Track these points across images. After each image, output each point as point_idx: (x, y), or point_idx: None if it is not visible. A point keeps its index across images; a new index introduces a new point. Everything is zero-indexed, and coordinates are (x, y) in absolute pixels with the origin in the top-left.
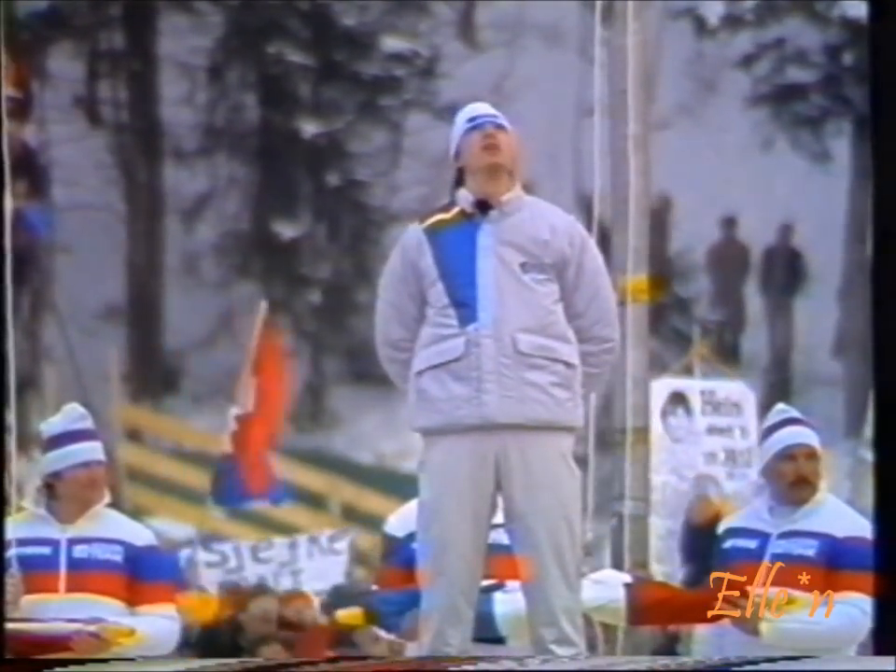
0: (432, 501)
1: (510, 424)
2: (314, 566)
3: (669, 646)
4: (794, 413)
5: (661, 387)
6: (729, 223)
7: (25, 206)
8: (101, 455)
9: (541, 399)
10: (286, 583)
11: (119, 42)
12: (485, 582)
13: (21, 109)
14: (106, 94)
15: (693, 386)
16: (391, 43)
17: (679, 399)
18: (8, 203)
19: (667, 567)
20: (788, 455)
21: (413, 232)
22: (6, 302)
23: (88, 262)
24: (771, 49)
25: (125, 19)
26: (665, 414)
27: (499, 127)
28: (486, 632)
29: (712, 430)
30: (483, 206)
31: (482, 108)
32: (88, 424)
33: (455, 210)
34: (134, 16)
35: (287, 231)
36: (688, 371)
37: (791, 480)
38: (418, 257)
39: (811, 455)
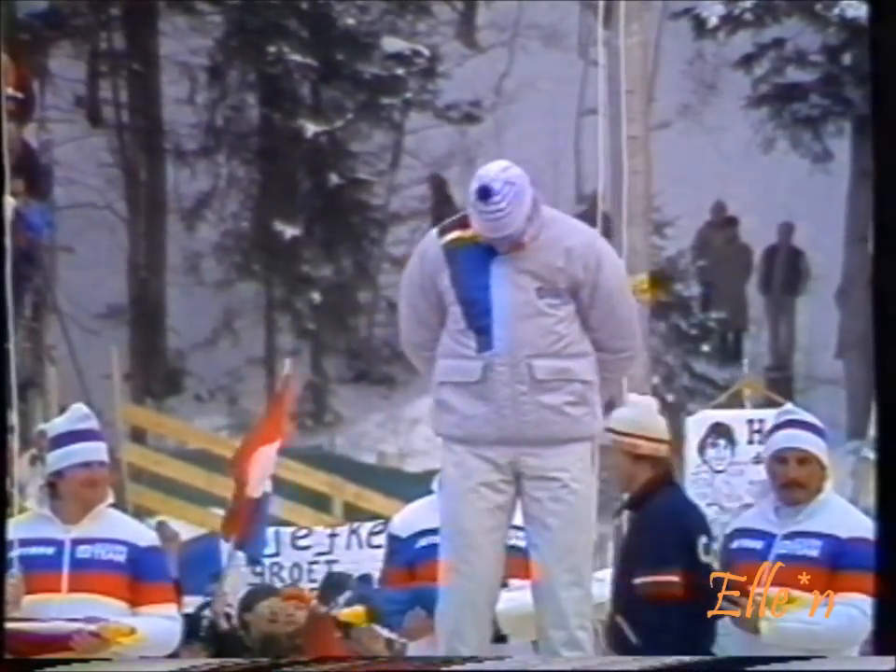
0: (452, 500)
1: (528, 440)
2: (350, 557)
3: None
4: (797, 416)
5: (698, 421)
6: (730, 223)
7: (26, 206)
8: (103, 456)
9: (558, 420)
10: (320, 572)
11: (119, 42)
12: None
13: (23, 109)
14: (107, 94)
15: (738, 417)
16: (391, 43)
17: (722, 430)
18: (9, 203)
19: None
20: (779, 457)
21: (432, 247)
22: (7, 302)
23: (89, 262)
24: (771, 50)
25: (125, 19)
26: (703, 447)
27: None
28: None
29: (760, 459)
30: None
31: (491, 227)
32: (91, 424)
33: (473, 231)
34: (135, 16)
35: (287, 230)
36: (737, 400)
37: (782, 482)
38: (436, 273)
39: (804, 459)
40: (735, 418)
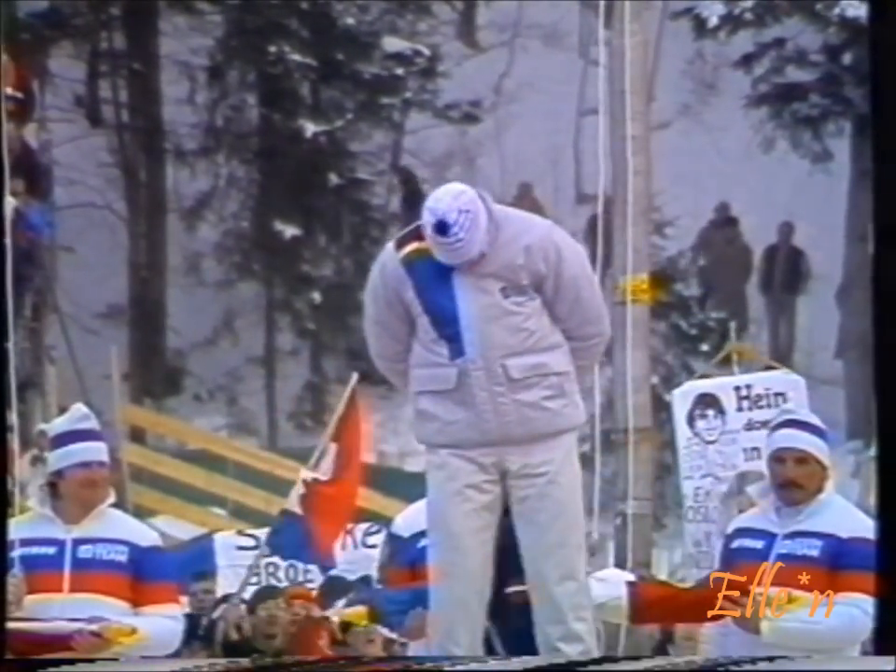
0: (438, 501)
1: (511, 439)
2: (345, 558)
3: (661, 646)
4: (796, 415)
5: (684, 393)
6: (730, 223)
7: (26, 206)
8: (102, 456)
9: (538, 416)
10: (316, 572)
11: (119, 42)
12: None
13: (23, 109)
14: (107, 94)
15: (724, 385)
16: (391, 42)
17: (709, 401)
18: (10, 203)
19: (705, 571)
20: (777, 457)
21: (391, 261)
22: (7, 302)
23: (89, 262)
24: (771, 49)
25: (125, 19)
26: (692, 419)
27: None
28: None
29: (752, 425)
30: None
31: (448, 256)
32: (90, 424)
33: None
34: (135, 16)
35: (287, 229)
36: (726, 366)
37: (780, 482)
38: (400, 286)
39: (801, 459)
40: (720, 387)
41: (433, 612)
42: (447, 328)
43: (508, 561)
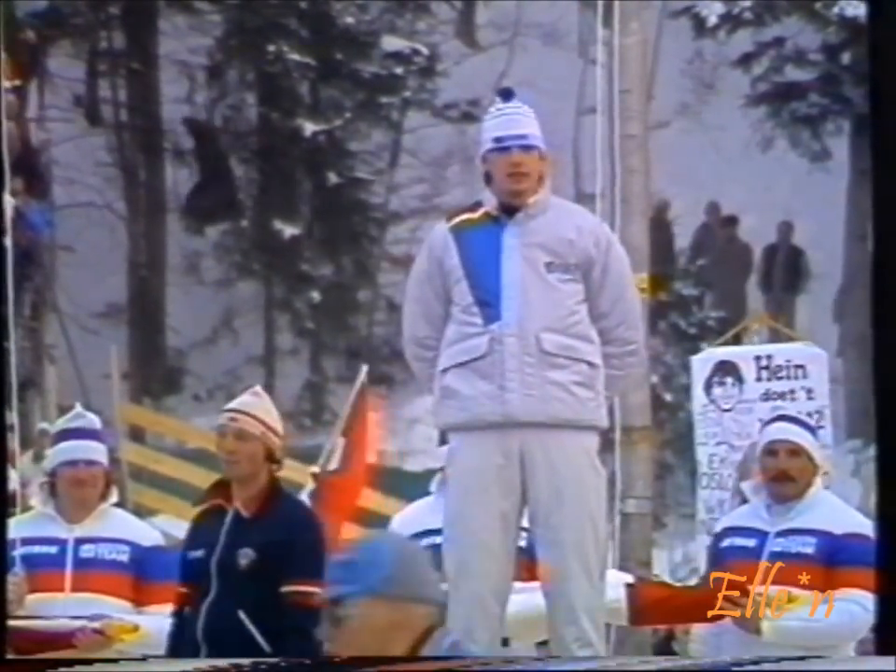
0: (458, 498)
1: (532, 422)
2: None
3: (666, 644)
4: (788, 411)
5: (703, 360)
6: (729, 222)
7: (26, 205)
8: (91, 455)
9: (564, 397)
10: None
11: (118, 41)
12: None
13: (20, 101)
14: (106, 93)
15: (744, 354)
16: (390, 42)
17: (728, 368)
18: (9, 202)
19: None
20: (770, 450)
21: (439, 231)
22: (7, 301)
23: (88, 261)
24: (770, 48)
25: (125, 18)
26: (709, 386)
27: (526, 149)
28: None
29: (769, 396)
30: (509, 209)
31: (507, 123)
32: (82, 423)
33: (482, 211)
34: (134, 15)
35: (287, 229)
36: (748, 336)
37: (772, 475)
38: (444, 255)
39: (794, 451)
40: (741, 355)
41: (451, 611)
42: (486, 291)
43: (275, 559)
